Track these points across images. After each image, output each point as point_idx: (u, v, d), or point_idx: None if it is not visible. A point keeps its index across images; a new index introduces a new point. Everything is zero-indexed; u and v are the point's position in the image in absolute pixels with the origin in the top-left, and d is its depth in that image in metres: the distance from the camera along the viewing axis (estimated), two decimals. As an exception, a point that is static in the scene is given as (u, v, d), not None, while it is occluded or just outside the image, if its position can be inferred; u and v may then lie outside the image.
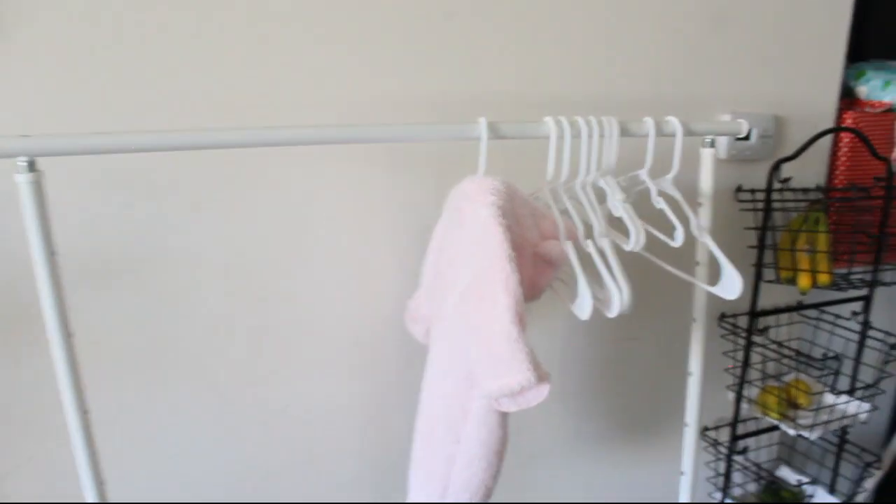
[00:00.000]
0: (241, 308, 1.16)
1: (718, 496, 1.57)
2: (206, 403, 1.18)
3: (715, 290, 1.06)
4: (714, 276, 1.15)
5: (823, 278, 1.39)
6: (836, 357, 1.46)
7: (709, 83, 1.41)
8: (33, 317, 0.99)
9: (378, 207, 1.20)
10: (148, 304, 1.10)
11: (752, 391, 1.54)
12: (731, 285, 1.03)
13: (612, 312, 0.93)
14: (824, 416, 1.44)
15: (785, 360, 1.54)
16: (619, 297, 0.92)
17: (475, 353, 0.88)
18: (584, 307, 0.92)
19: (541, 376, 0.85)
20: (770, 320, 1.52)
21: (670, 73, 1.36)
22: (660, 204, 1.05)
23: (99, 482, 0.87)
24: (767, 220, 1.38)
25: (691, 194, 1.12)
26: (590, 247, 0.96)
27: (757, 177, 1.49)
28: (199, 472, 1.21)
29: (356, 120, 1.14)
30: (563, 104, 1.28)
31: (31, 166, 0.76)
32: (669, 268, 1.09)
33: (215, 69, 1.05)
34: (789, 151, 1.43)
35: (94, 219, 1.04)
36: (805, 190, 1.46)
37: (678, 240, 1.03)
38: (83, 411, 0.84)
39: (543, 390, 0.86)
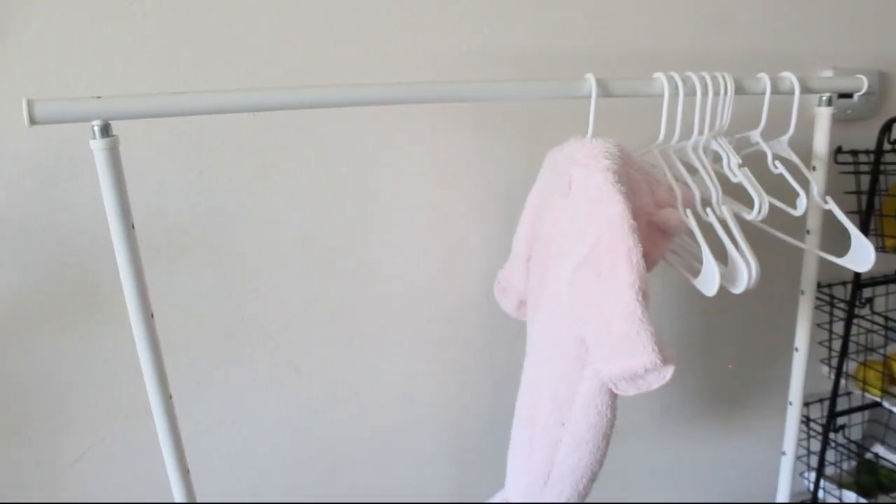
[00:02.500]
0: (318, 281, 1.10)
1: (810, 475, 1.49)
2: (282, 380, 1.13)
3: (843, 261, 0.97)
4: (825, 245, 1.07)
5: (934, 246, 1.29)
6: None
7: (806, 37, 1.31)
8: (104, 294, 0.95)
9: (461, 172, 1.13)
10: (220, 278, 1.05)
11: (848, 365, 1.45)
12: (863, 256, 0.94)
13: (739, 288, 0.85)
14: (932, 393, 1.35)
15: (889, 334, 1.45)
16: (746, 272, 0.84)
17: (591, 332, 0.81)
18: (711, 282, 0.84)
19: (666, 358, 0.78)
20: (869, 291, 1.42)
21: (765, 27, 1.26)
22: (778, 168, 0.97)
23: (184, 470, 0.83)
24: (876, 182, 1.27)
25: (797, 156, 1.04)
26: (710, 216, 0.88)
27: (857, 138, 1.39)
28: (277, 451, 1.17)
29: (439, 77, 1.06)
30: (648, 61, 1.19)
31: (106, 131, 0.69)
32: (788, 238, 1.01)
33: (289, 23, 0.98)
34: (893, 110, 1.33)
35: (161, 188, 0.98)
36: (912, 151, 1.35)
37: (801, 208, 0.95)
38: (167, 396, 0.79)
39: (667, 373, 0.79)
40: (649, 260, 0.92)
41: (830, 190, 1.39)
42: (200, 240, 1.02)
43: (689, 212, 0.87)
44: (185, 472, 0.82)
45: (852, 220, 1.33)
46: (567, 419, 0.90)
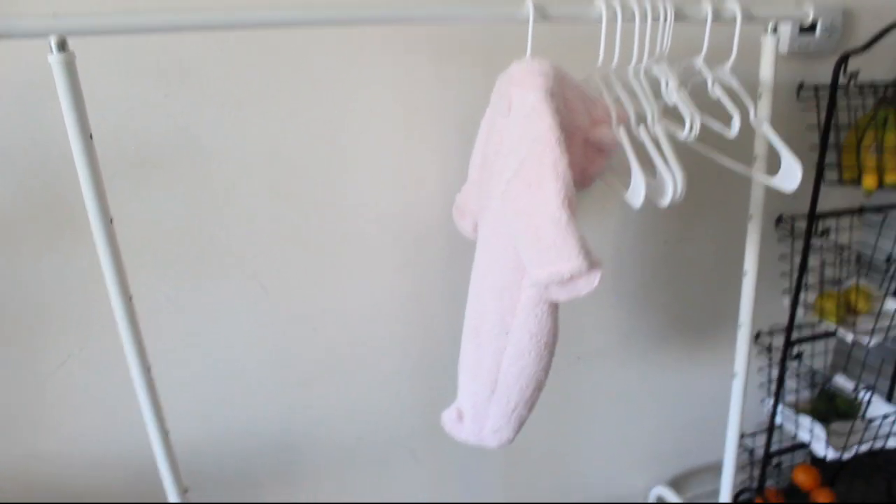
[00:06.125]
0: (284, 202, 1.16)
1: (770, 402, 1.55)
2: (249, 299, 1.19)
3: (773, 181, 1.02)
4: (773, 172, 1.11)
5: (891, 178, 1.32)
6: (901, 260, 1.41)
7: (771, -27, 1.33)
8: (79, 209, 1.00)
9: (422, 99, 1.17)
10: (190, 197, 1.11)
11: (809, 296, 1.50)
12: (790, 174, 0.99)
13: (665, 201, 0.90)
14: (885, 323, 1.40)
15: (845, 265, 1.49)
16: (672, 184, 0.89)
17: (523, 239, 0.86)
18: (637, 194, 0.89)
19: (592, 263, 0.83)
20: (830, 223, 1.47)
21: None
22: (716, 93, 1.00)
23: (146, 368, 0.89)
24: (831, 117, 1.31)
25: (750, 88, 1.07)
26: (642, 133, 0.92)
27: (821, 73, 1.42)
28: (243, 367, 1.24)
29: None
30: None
31: (62, 46, 0.75)
32: (725, 160, 1.05)
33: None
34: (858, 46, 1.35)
35: (132, 110, 1.04)
36: (873, 86, 1.38)
37: (734, 129, 0.98)
38: (126, 297, 0.85)
39: (594, 278, 0.85)
40: (587, 176, 0.97)
41: (794, 125, 1.44)
42: (170, 160, 1.08)
43: (622, 129, 0.92)
44: (146, 370, 0.89)
45: (814, 155, 1.38)
46: (510, 328, 0.96)
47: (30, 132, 1.00)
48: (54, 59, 0.75)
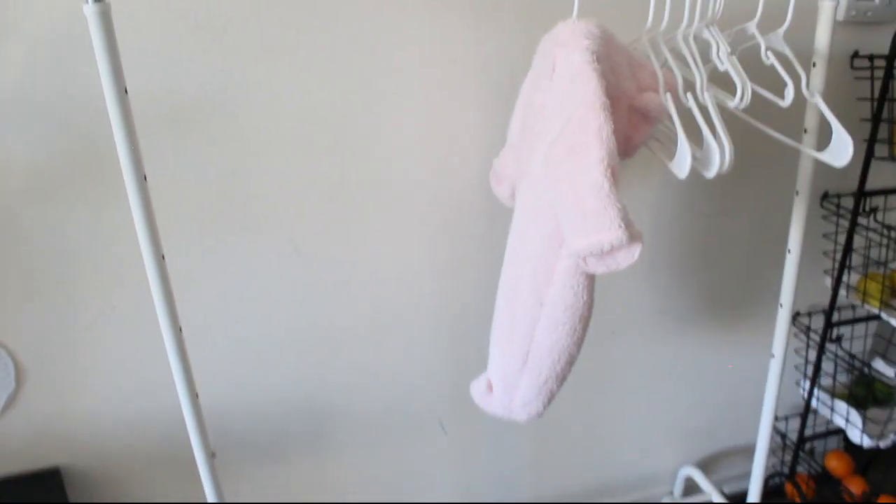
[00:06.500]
0: (319, 163, 1.14)
1: (806, 384, 1.51)
2: (284, 259, 1.18)
3: (822, 155, 0.97)
4: (821, 146, 1.06)
5: (946, 155, 1.27)
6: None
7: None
8: (112, 165, 0.99)
9: (461, 58, 1.14)
10: (225, 156, 1.09)
11: (852, 278, 1.45)
12: (841, 149, 0.94)
13: (711, 172, 0.86)
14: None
15: (892, 246, 1.44)
16: (719, 155, 0.85)
17: (562, 207, 0.83)
18: (682, 164, 0.85)
19: (633, 235, 0.80)
20: (878, 202, 1.41)
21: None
22: (769, 60, 0.96)
23: (177, 329, 0.88)
24: (887, 90, 1.25)
25: (803, 56, 1.02)
26: (690, 101, 0.88)
27: (877, 42, 1.35)
28: (273, 331, 1.23)
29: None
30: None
31: (98, -5, 0.72)
32: (774, 133, 1.00)
33: None
34: (918, 13, 1.29)
35: (168, 66, 1.01)
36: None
37: (788, 98, 0.94)
38: (159, 256, 0.83)
39: (635, 251, 0.81)
40: (631, 144, 0.94)
41: (846, 95, 1.38)
42: (206, 118, 1.06)
43: (669, 96, 0.88)
44: (177, 331, 0.88)
45: (864, 127, 1.33)
46: (545, 299, 0.93)
47: (65, 86, 0.98)
48: (90, 9, 0.72)
